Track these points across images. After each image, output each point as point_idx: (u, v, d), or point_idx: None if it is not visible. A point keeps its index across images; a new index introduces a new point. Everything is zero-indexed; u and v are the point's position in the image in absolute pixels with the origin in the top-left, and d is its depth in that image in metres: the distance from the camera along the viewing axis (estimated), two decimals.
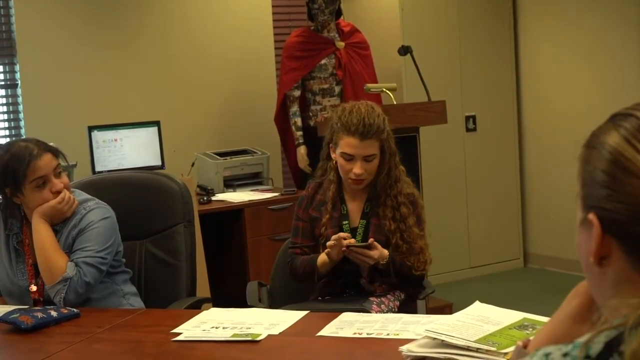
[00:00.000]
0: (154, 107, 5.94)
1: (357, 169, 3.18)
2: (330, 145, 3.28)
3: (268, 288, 3.48)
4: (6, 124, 5.64)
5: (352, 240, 3.15)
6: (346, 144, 3.17)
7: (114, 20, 5.88)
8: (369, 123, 3.14)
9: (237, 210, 5.29)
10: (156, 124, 5.63)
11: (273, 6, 6.46)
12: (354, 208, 3.31)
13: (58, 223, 2.99)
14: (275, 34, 6.46)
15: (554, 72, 6.61)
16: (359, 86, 5.61)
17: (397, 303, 3.22)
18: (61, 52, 5.72)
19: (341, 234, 3.14)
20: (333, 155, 3.26)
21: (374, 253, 3.10)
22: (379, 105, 3.34)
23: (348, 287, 3.29)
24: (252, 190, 5.61)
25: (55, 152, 3.00)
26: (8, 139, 5.49)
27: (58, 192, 2.96)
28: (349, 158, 3.19)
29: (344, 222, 3.27)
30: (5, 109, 5.64)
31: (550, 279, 6.50)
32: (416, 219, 3.26)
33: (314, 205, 3.35)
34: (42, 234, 2.94)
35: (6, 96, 5.63)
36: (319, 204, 3.34)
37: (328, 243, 3.14)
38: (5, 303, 3.07)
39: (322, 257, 3.21)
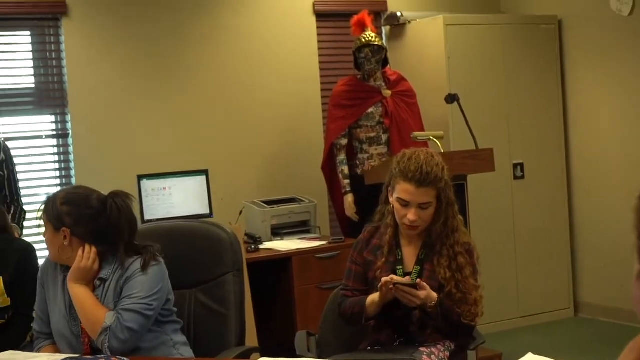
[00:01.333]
0: (202, 156, 5.98)
1: (411, 215, 3.18)
2: (389, 189, 3.29)
3: (317, 337, 3.47)
4: (57, 173, 5.72)
5: (400, 278, 3.14)
6: (402, 189, 3.18)
7: (162, 72, 5.96)
8: (426, 171, 3.15)
9: (285, 259, 5.28)
10: (204, 172, 5.67)
11: (320, 55, 6.51)
12: (409, 253, 3.30)
13: (95, 278, 3.01)
14: (322, 83, 6.50)
15: (604, 118, 6.56)
16: (406, 134, 5.61)
17: (447, 354, 3.19)
18: (111, 103, 5.80)
19: (394, 277, 3.13)
20: (390, 199, 3.27)
21: (421, 293, 3.09)
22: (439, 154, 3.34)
23: (398, 334, 3.27)
24: (299, 239, 5.61)
25: (44, 206, 3.07)
26: (59, 188, 5.56)
27: None
28: (405, 204, 3.19)
29: (398, 267, 3.26)
30: (56, 158, 5.72)
31: (602, 330, 6.38)
32: (472, 270, 3.24)
33: (369, 248, 3.36)
34: (77, 296, 2.97)
35: (57, 146, 5.72)
36: (375, 247, 3.34)
37: (380, 284, 3.13)
38: (57, 349, 3.09)
39: (371, 298, 3.22)
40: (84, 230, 3.00)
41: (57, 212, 3.01)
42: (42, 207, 3.08)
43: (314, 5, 6.46)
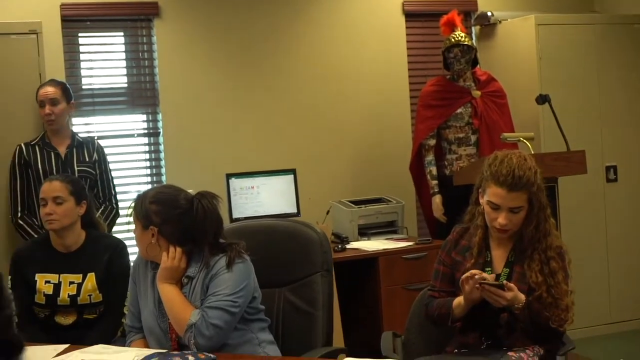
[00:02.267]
0: (290, 155, 6.01)
1: (502, 219, 3.14)
2: (479, 190, 3.26)
3: (402, 339, 3.45)
4: (148, 171, 5.82)
5: (486, 276, 3.10)
6: (493, 193, 3.14)
7: (252, 72, 6.01)
8: (518, 175, 3.11)
9: (372, 259, 5.27)
10: (292, 171, 5.70)
11: (408, 55, 6.48)
12: (499, 255, 3.26)
13: (183, 276, 3.05)
14: (410, 83, 6.47)
15: None
16: (495, 135, 5.54)
17: (536, 359, 3.14)
18: (201, 102, 5.87)
19: (475, 271, 3.09)
20: (481, 201, 3.24)
21: (508, 294, 3.05)
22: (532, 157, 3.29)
23: (485, 337, 3.23)
24: (386, 239, 5.59)
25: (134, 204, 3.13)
26: (149, 186, 5.65)
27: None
28: (495, 207, 3.15)
29: (487, 269, 3.23)
30: (147, 156, 5.82)
31: None
32: (564, 274, 3.18)
33: (457, 249, 3.34)
34: (166, 294, 3.02)
35: (149, 144, 5.82)
36: (463, 248, 3.31)
37: (462, 277, 3.10)
38: (146, 344, 3.14)
39: (458, 300, 3.20)
40: (171, 230, 3.04)
41: (146, 210, 3.05)
42: (132, 205, 3.13)
43: (403, 5, 6.43)
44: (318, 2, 6.20)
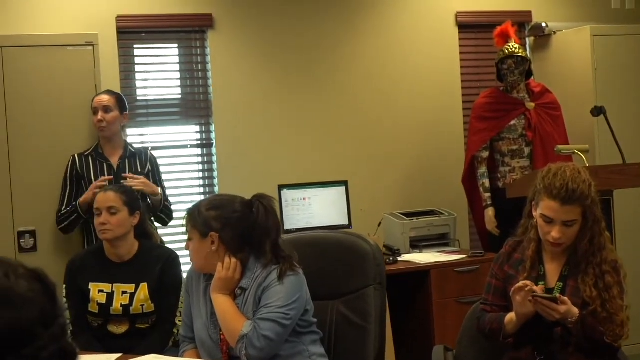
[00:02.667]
0: (342, 167, 6.01)
1: (555, 233, 3.10)
2: (533, 203, 3.22)
3: (454, 353, 3.42)
4: (201, 182, 5.85)
5: (536, 288, 3.06)
6: (546, 206, 3.10)
7: (305, 82, 6.03)
8: (572, 188, 3.06)
9: (423, 272, 5.24)
10: (344, 183, 5.70)
11: (462, 67, 6.45)
12: (552, 269, 3.22)
13: (237, 287, 3.05)
14: (463, 95, 6.43)
15: None
16: (549, 148, 5.48)
17: None
18: (253, 113, 5.90)
19: (527, 282, 3.06)
20: (534, 214, 3.20)
21: (561, 308, 3.01)
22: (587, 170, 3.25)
23: (538, 352, 3.19)
24: (438, 252, 5.56)
25: (189, 216, 3.12)
26: (202, 197, 5.69)
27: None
28: (549, 221, 3.12)
29: (540, 283, 3.19)
30: (200, 167, 5.86)
31: None
32: (619, 289, 3.13)
33: (510, 262, 3.30)
34: (219, 305, 3.03)
35: (202, 155, 5.86)
36: (516, 262, 3.28)
37: (514, 287, 3.07)
38: (199, 354, 3.15)
39: (510, 315, 3.16)
40: (231, 234, 3.05)
41: (203, 218, 3.06)
42: (186, 218, 3.13)
43: (456, 16, 6.40)
44: (371, 14, 6.20)
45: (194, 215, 3.09)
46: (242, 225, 3.06)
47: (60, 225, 4.78)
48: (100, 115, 4.78)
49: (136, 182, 4.66)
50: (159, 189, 4.80)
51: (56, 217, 4.79)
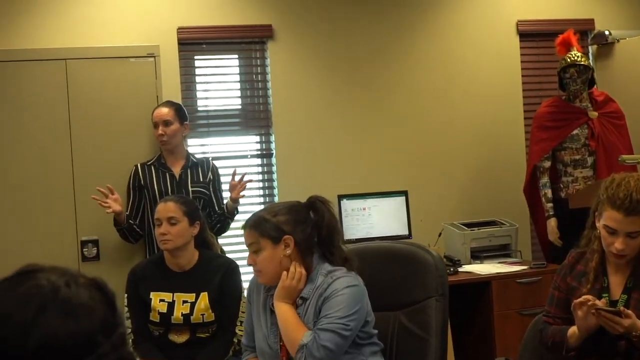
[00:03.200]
0: (402, 177, 5.99)
1: (618, 244, 3.04)
2: (596, 214, 3.17)
3: None
4: (261, 192, 5.88)
5: (601, 302, 3.01)
6: (609, 217, 3.05)
7: (364, 94, 6.02)
8: (636, 199, 3.00)
9: (484, 283, 5.19)
10: (404, 193, 5.68)
11: (523, 76, 6.39)
12: (616, 281, 3.16)
13: (299, 296, 3.05)
14: (525, 104, 6.37)
15: None
16: (612, 157, 5.40)
17: None
18: (313, 123, 5.91)
19: (589, 297, 3.00)
20: (597, 225, 3.15)
21: (625, 321, 2.95)
22: None
23: None
24: (499, 263, 5.50)
25: (252, 227, 3.09)
26: (262, 206, 5.71)
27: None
28: (612, 232, 3.06)
29: (604, 295, 3.12)
30: (260, 177, 5.89)
31: None
32: None
33: (573, 274, 3.24)
34: (281, 313, 3.02)
35: (262, 165, 5.88)
36: (579, 273, 3.22)
37: (575, 301, 3.01)
38: None
39: (573, 328, 3.10)
40: (303, 235, 3.05)
41: (273, 224, 3.04)
42: (249, 231, 3.09)
43: (517, 25, 6.35)
44: (431, 24, 6.17)
45: (261, 224, 3.06)
46: (309, 226, 3.08)
47: (122, 236, 4.83)
48: (160, 130, 4.81)
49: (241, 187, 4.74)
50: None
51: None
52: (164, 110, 4.86)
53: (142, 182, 4.83)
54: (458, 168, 6.20)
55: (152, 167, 4.87)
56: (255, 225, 3.07)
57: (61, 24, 5.42)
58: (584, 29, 6.43)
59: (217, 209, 4.91)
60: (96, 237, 4.91)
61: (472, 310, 5.36)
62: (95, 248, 4.91)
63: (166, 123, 4.82)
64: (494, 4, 6.33)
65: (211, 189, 4.90)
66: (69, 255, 4.81)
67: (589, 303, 2.97)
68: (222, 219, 4.89)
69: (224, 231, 4.99)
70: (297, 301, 3.04)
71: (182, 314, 3.89)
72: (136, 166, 4.86)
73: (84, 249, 4.89)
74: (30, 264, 1.37)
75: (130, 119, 4.99)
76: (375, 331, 3.11)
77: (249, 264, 3.11)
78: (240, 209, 5.57)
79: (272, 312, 3.10)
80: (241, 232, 5.03)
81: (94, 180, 4.90)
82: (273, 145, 5.85)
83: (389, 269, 3.32)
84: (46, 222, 4.86)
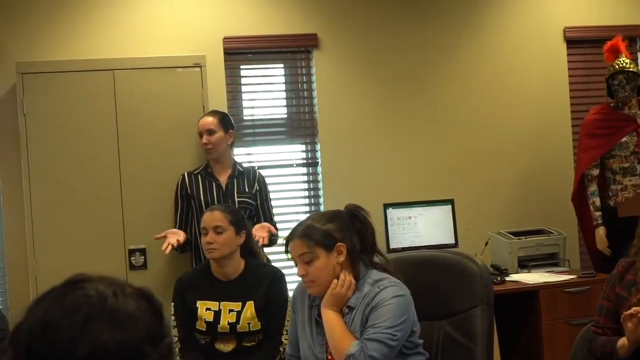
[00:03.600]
0: (448, 185, 5.96)
1: None
2: None
3: None
4: (307, 201, 5.89)
5: None
6: None
7: (409, 102, 6.01)
8: None
9: (532, 292, 5.14)
10: (450, 202, 5.65)
11: (570, 83, 6.33)
12: None
13: (345, 305, 3.04)
14: (572, 111, 6.31)
15: None
16: None
17: None
18: (358, 132, 5.91)
19: (638, 308, 2.96)
20: None
21: None
22: None
23: None
24: (547, 272, 5.44)
25: (304, 237, 3.08)
26: (307, 215, 5.71)
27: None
28: None
29: None
30: (306, 185, 5.90)
31: None
32: None
33: (622, 284, 3.21)
34: (329, 321, 3.02)
35: (307, 174, 5.89)
36: (629, 283, 3.18)
37: (624, 314, 2.97)
38: None
39: (623, 340, 3.07)
40: (352, 242, 3.06)
41: (323, 232, 3.04)
42: (298, 242, 3.08)
43: (564, 32, 6.29)
44: (476, 30, 6.14)
45: (312, 233, 3.04)
46: (355, 233, 3.08)
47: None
48: (205, 139, 4.84)
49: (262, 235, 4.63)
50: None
51: None
52: (208, 119, 4.88)
53: (189, 191, 4.85)
54: (505, 176, 6.15)
55: (199, 177, 4.89)
56: (306, 234, 3.06)
57: (109, 35, 5.48)
58: (633, 36, 6.35)
59: (266, 219, 4.90)
60: (143, 246, 4.95)
61: (519, 320, 5.31)
62: (143, 257, 4.95)
63: (210, 132, 4.84)
64: (541, 10, 6.28)
65: (258, 200, 4.91)
66: (116, 264, 4.86)
67: (639, 315, 2.94)
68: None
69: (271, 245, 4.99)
70: (344, 310, 3.04)
71: (229, 323, 3.90)
72: (183, 175, 4.89)
73: (132, 258, 4.93)
74: (79, 274, 1.39)
75: (177, 128, 5.03)
76: (421, 341, 3.10)
77: (300, 275, 3.09)
78: (286, 218, 5.60)
79: (318, 322, 3.10)
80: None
81: (141, 189, 4.95)
82: (318, 154, 5.86)
83: (433, 278, 3.30)
84: (94, 231, 4.91)
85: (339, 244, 3.03)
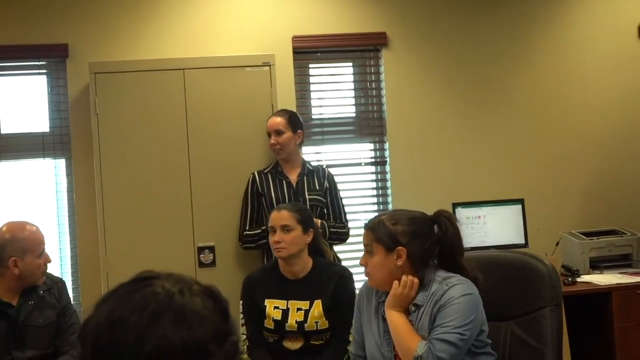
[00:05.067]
0: (519, 184, 5.89)
1: None
2: None
3: None
4: (375, 199, 5.87)
5: None
6: None
7: (479, 101, 5.95)
8: None
9: (604, 294, 5.05)
10: (520, 201, 5.58)
11: None
12: None
13: (410, 304, 3.02)
14: None
15: None
16: None
17: None
18: (427, 131, 5.87)
19: None
20: None
21: None
22: None
23: None
24: (620, 273, 5.35)
25: (371, 230, 3.08)
26: (376, 213, 5.70)
27: None
28: None
29: None
30: (374, 184, 5.88)
31: None
32: None
33: None
34: (393, 322, 3.00)
35: (376, 172, 5.88)
36: None
37: None
38: None
39: None
40: (419, 249, 3.02)
41: (389, 232, 3.02)
42: (367, 232, 3.09)
43: (639, 28, 6.16)
44: (549, 29, 6.06)
45: (378, 229, 3.04)
46: (428, 240, 3.04)
47: (245, 245, 4.88)
48: (273, 139, 4.85)
49: None
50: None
51: (240, 234, 4.89)
52: (277, 119, 4.89)
53: (260, 189, 4.87)
54: (576, 176, 6.05)
55: (269, 175, 4.90)
56: (373, 228, 3.07)
57: (179, 35, 5.54)
58: None
59: (337, 217, 4.90)
60: (212, 244, 4.99)
61: (591, 322, 5.22)
62: (212, 254, 4.98)
63: (278, 132, 4.85)
64: (614, 7, 6.16)
65: (328, 198, 4.91)
66: (186, 262, 4.91)
67: None
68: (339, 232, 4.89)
69: (340, 242, 4.99)
70: (410, 308, 3.02)
71: (296, 321, 3.91)
72: (253, 174, 4.91)
73: (201, 255, 4.97)
74: (146, 271, 1.40)
75: (246, 127, 5.06)
76: (490, 341, 3.06)
77: (361, 264, 3.11)
78: (355, 216, 5.60)
79: (385, 319, 3.08)
80: (354, 241, 5.07)
81: (211, 187, 4.98)
82: (387, 153, 5.84)
83: (501, 278, 3.26)
84: (164, 229, 4.96)
85: (399, 248, 3.01)
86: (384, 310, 3.08)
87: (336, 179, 5.09)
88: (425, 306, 2.99)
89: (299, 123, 4.95)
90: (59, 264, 5.40)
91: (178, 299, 1.32)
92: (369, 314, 3.16)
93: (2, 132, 5.45)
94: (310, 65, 5.84)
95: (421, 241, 3.02)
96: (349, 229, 4.96)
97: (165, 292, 1.33)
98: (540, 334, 3.12)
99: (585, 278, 5.27)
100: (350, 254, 5.26)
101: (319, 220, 4.73)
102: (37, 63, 5.50)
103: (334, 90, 5.89)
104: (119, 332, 1.28)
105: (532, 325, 3.16)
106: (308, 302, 3.93)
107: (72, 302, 4.03)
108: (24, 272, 3.67)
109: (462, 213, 5.47)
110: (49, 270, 3.85)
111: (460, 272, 3.03)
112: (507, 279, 3.26)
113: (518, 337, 3.18)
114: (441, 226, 3.04)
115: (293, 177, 4.90)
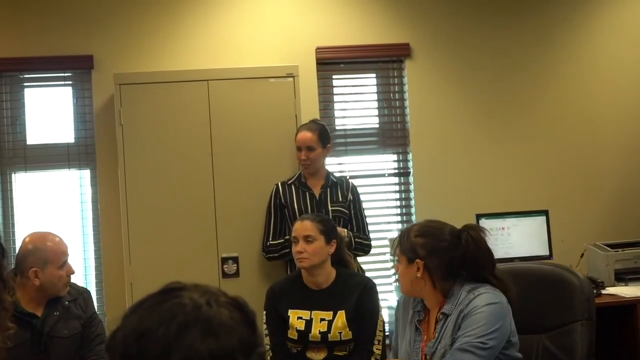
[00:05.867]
0: (543, 196, 5.86)
1: None
2: None
3: None
4: (398, 210, 5.86)
5: None
6: None
7: (503, 112, 5.93)
8: None
9: (630, 306, 5.01)
10: (544, 213, 5.55)
11: None
12: None
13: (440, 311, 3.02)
14: None
15: None
16: None
17: None
18: (451, 142, 5.86)
19: None
20: None
21: None
22: None
23: None
24: None
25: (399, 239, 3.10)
26: (400, 225, 5.71)
27: None
28: None
29: None
30: (398, 195, 5.87)
31: None
32: None
33: None
34: None
35: (399, 183, 5.87)
36: None
37: None
38: None
39: None
40: (437, 263, 3.02)
41: (411, 244, 3.05)
42: (396, 241, 3.14)
43: None
44: (570, 39, 6.03)
45: (403, 240, 3.09)
46: (448, 255, 3.03)
47: (269, 255, 4.88)
48: (304, 155, 4.85)
49: None
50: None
51: (263, 245, 4.90)
52: (308, 135, 4.87)
53: (282, 201, 4.88)
54: (601, 186, 6.02)
55: (293, 186, 4.91)
56: (401, 237, 3.12)
57: (203, 47, 5.56)
58: None
59: (360, 229, 4.90)
60: (236, 254, 5.00)
61: (617, 335, 5.18)
62: (235, 265, 4.99)
63: (310, 149, 4.85)
64: (637, 14, 6.13)
65: (352, 210, 4.91)
66: (210, 272, 4.92)
67: None
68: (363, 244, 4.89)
69: (363, 254, 4.98)
70: (438, 316, 3.02)
71: (320, 332, 3.91)
72: (277, 185, 4.92)
73: (224, 266, 4.98)
74: (174, 282, 1.40)
75: (270, 138, 5.07)
76: (520, 355, 3.02)
77: (394, 270, 3.15)
78: (378, 227, 5.60)
79: (417, 328, 3.08)
80: (378, 252, 5.06)
81: (234, 198, 5.00)
82: (410, 164, 5.83)
83: (533, 291, 3.24)
84: (188, 239, 4.98)
85: (417, 260, 3.02)
86: (417, 320, 3.08)
87: (359, 190, 5.09)
88: (452, 315, 2.98)
89: (328, 137, 4.94)
90: (84, 274, 5.43)
91: (205, 310, 1.32)
92: (404, 323, 3.17)
93: (28, 142, 5.49)
94: (334, 76, 5.84)
95: (440, 256, 3.02)
96: (371, 240, 4.96)
97: (192, 304, 1.33)
98: (572, 349, 3.09)
99: (610, 290, 5.23)
100: (374, 264, 5.25)
101: (345, 230, 4.74)
102: (62, 74, 5.55)
103: (357, 101, 5.89)
104: (146, 344, 1.29)
105: (563, 339, 3.13)
106: (331, 312, 3.93)
107: (97, 312, 4.04)
108: (45, 283, 3.67)
109: (486, 224, 5.44)
110: (73, 280, 3.86)
111: (499, 283, 3.02)
112: (539, 292, 3.23)
113: (549, 352, 3.15)
114: (462, 242, 3.04)
115: (317, 188, 4.90)
